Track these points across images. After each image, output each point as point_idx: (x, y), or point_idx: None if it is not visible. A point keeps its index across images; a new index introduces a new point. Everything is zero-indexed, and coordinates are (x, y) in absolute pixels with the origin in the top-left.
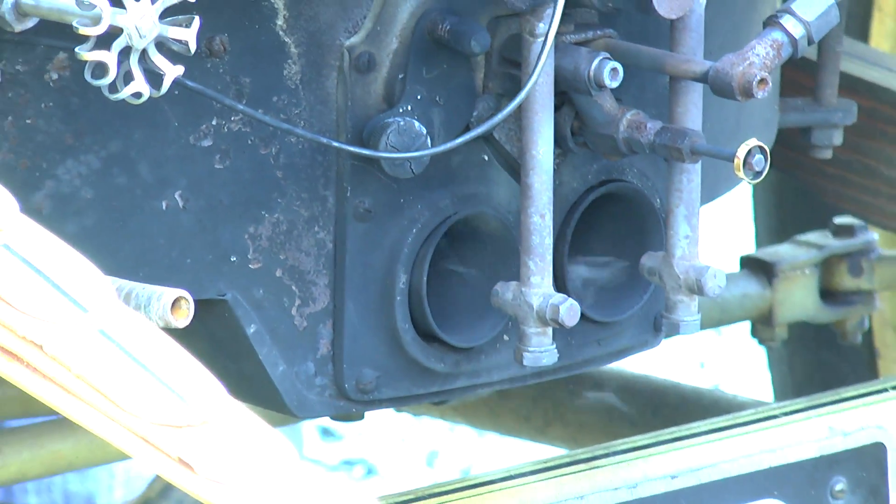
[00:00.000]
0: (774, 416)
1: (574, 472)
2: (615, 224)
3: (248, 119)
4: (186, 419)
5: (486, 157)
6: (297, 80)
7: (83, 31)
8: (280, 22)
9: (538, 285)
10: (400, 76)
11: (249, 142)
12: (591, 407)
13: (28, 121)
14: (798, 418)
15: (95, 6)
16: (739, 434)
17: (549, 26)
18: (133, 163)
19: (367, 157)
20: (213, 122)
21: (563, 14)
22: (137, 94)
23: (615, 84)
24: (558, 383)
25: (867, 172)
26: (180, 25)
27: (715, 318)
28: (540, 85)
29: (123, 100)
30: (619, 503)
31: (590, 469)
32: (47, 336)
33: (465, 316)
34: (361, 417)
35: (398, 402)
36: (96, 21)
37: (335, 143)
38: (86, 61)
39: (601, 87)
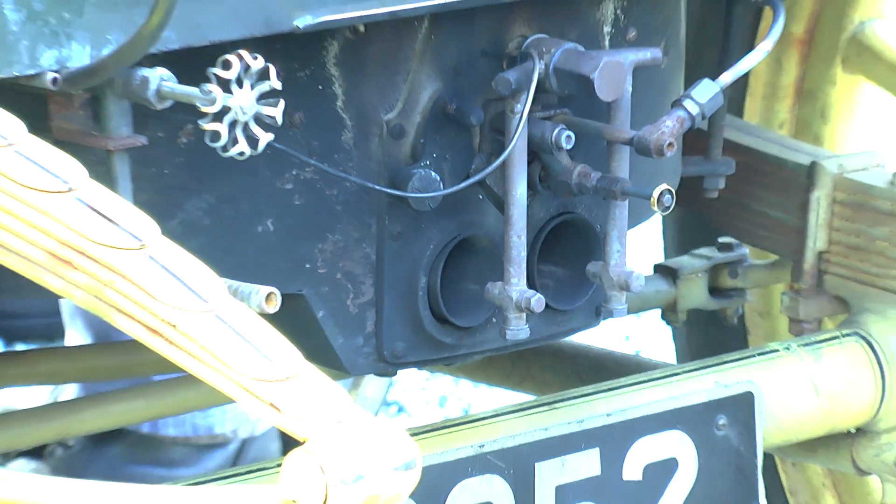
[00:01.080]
0: (677, 374)
1: (540, 412)
2: (569, 242)
3: (317, 170)
4: (276, 375)
5: (481, 196)
6: (350, 143)
7: (204, 109)
8: (339, 103)
9: (516, 284)
10: (421, 140)
11: (318, 186)
12: (553, 368)
13: (165, 171)
14: (693, 375)
15: (212, 92)
16: (653, 386)
17: (524, 106)
18: (237, 200)
19: (399, 197)
20: (293, 172)
21: (534, 98)
22: (241, 153)
23: (569, 147)
24: (529, 351)
25: (742, 207)
26: (271, 105)
27: (637, 306)
28: (517, 147)
29: (231, 157)
30: (570, 433)
31: (550, 410)
32: (180, 318)
33: (466, 305)
34: (395, 374)
35: (420, 364)
36: (213, 102)
37: (377, 187)
38: (205, 130)
39: (560, 148)
